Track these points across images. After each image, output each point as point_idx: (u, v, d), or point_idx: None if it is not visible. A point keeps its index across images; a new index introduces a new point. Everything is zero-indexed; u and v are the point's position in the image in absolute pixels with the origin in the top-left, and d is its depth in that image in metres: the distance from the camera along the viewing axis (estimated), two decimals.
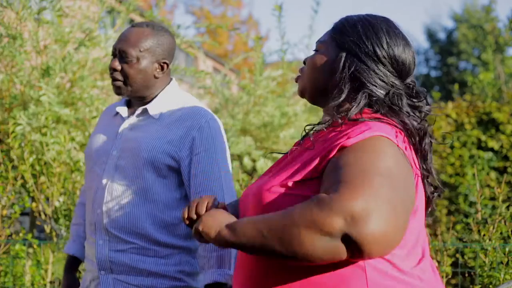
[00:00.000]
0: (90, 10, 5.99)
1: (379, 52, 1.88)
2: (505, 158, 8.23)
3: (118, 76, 2.70)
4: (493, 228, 4.17)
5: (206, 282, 2.61)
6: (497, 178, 8.10)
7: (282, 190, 1.77)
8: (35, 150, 5.19)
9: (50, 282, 4.76)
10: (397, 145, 1.77)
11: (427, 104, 1.94)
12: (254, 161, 7.41)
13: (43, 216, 4.91)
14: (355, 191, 1.57)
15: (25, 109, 5.34)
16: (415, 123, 1.87)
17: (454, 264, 5.35)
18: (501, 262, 4.08)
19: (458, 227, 7.63)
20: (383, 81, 1.88)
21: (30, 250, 5.12)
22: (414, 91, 1.94)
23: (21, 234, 4.84)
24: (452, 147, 8.36)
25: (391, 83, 1.89)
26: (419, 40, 60.67)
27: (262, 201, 1.79)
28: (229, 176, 2.73)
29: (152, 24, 2.76)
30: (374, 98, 1.87)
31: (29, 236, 4.87)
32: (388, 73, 1.89)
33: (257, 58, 7.86)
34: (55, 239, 4.83)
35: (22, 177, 4.90)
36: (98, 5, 5.97)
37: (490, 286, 4.07)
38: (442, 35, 33.27)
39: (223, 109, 7.99)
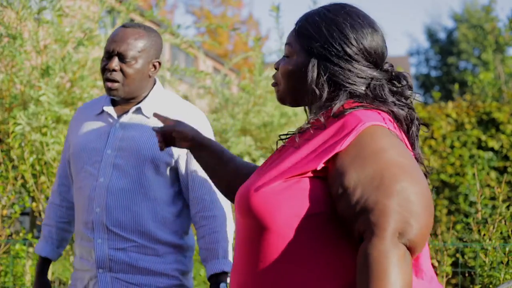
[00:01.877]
0: (90, 10, 5.99)
1: (349, 51, 1.85)
2: (505, 158, 8.23)
3: (117, 76, 2.72)
4: (493, 228, 4.17)
5: (214, 271, 2.68)
6: (497, 178, 8.10)
7: (270, 189, 1.77)
8: (35, 150, 5.19)
9: (50, 282, 4.76)
10: (389, 129, 1.78)
11: (409, 87, 1.93)
12: (254, 161, 7.41)
13: (43, 216, 4.90)
14: (379, 227, 1.63)
15: (25, 109, 5.34)
16: (402, 112, 1.87)
17: (454, 264, 5.35)
18: (501, 262, 4.08)
19: (458, 226, 7.64)
20: (361, 77, 1.86)
21: (30, 250, 5.11)
22: (393, 74, 1.92)
23: (21, 234, 4.84)
24: (452, 147, 8.36)
25: (369, 76, 1.87)
26: (419, 40, 60.69)
27: (249, 201, 1.79)
28: None
29: (142, 25, 2.81)
30: (357, 94, 1.86)
31: (29, 236, 4.87)
32: (364, 68, 1.86)
33: (256, 58, 7.86)
34: None
35: (22, 177, 4.90)
36: (98, 5, 5.97)
37: (490, 286, 4.06)
38: (442, 35, 33.29)
39: (223, 109, 7.99)
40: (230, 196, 2.32)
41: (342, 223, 1.73)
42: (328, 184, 1.74)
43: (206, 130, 2.76)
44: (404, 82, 1.92)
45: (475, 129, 8.30)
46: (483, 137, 8.25)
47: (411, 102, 1.93)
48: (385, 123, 1.79)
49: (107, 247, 2.71)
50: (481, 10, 30.04)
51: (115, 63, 2.71)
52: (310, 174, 1.76)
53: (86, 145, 2.80)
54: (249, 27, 30.10)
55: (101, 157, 2.75)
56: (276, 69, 2.01)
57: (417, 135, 1.91)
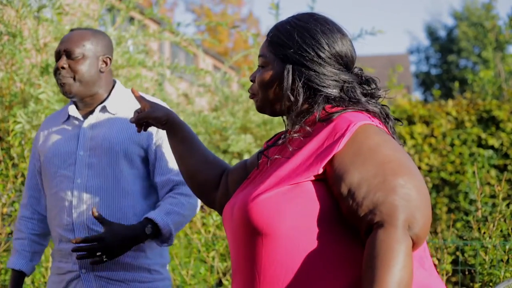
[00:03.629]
0: (90, 8, 5.99)
1: (322, 55, 1.91)
2: (505, 156, 8.23)
3: (67, 73, 2.80)
4: (493, 226, 4.17)
5: (149, 216, 2.69)
6: (497, 176, 8.10)
7: (268, 196, 1.79)
8: None
9: None
10: (377, 126, 1.85)
11: (378, 88, 1.99)
12: None
13: None
14: (392, 217, 1.67)
15: (25, 107, 5.34)
16: (376, 109, 1.93)
17: (454, 262, 5.36)
18: (501, 260, 4.08)
19: (458, 225, 7.64)
20: (334, 80, 1.92)
21: None
22: (363, 78, 1.98)
23: None
24: (452, 145, 8.36)
25: (342, 79, 1.93)
26: (419, 38, 60.70)
27: (248, 211, 1.80)
28: None
29: (89, 28, 2.94)
30: (331, 97, 1.91)
31: None
32: (337, 71, 1.93)
33: (256, 55, 7.84)
34: None
35: (23, 175, 4.89)
36: (98, 3, 5.97)
37: (490, 284, 4.07)
38: (442, 33, 33.28)
39: (223, 107, 7.99)
40: (190, 184, 2.34)
41: (346, 220, 1.76)
42: (329, 184, 1.78)
43: None
44: (374, 86, 1.98)
45: (475, 127, 8.30)
46: (483, 135, 8.25)
47: (380, 104, 1.98)
48: (373, 121, 1.85)
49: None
50: (481, 8, 30.02)
51: (63, 61, 2.81)
52: (310, 179, 1.79)
53: (57, 150, 2.85)
54: (249, 25, 30.11)
55: (74, 159, 2.80)
56: (252, 81, 2.05)
57: (394, 130, 1.97)
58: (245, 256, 1.84)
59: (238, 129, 7.47)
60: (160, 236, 2.71)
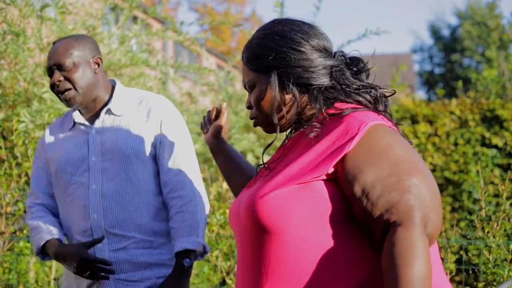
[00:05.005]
0: (93, 7, 6.00)
1: (301, 49, 1.90)
2: (509, 155, 8.22)
3: (66, 85, 2.81)
4: (497, 225, 4.16)
5: (177, 250, 2.75)
6: (501, 175, 8.09)
7: (278, 194, 1.79)
8: None
9: (54, 279, 4.77)
10: (390, 127, 1.84)
11: (365, 65, 1.97)
12: (257, 158, 7.41)
13: None
14: (410, 216, 1.69)
15: (29, 106, 5.34)
16: (368, 96, 1.91)
17: (458, 261, 5.35)
18: (505, 259, 4.08)
19: (462, 224, 7.63)
20: (321, 68, 1.90)
21: None
22: (347, 59, 1.97)
23: (25, 231, 4.84)
24: (456, 144, 8.35)
25: (328, 65, 1.91)
26: (423, 37, 60.69)
27: (256, 211, 1.80)
28: (192, 153, 2.90)
29: (70, 36, 2.94)
30: (323, 87, 1.90)
31: None
32: (320, 59, 1.91)
33: None
34: None
35: (26, 174, 4.90)
36: (101, 2, 5.98)
37: (494, 283, 4.06)
38: (446, 32, 33.24)
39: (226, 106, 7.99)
40: None
41: (356, 221, 1.77)
42: (340, 185, 1.78)
43: (174, 118, 2.87)
44: (361, 64, 1.97)
45: (479, 126, 8.29)
46: (487, 134, 8.24)
47: (375, 91, 1.96)
48: (385, 122, 1.84)
49: (108, 250, 2.78)
50: (485, 7, 29.97)
51: (57, 75, 2.82)
52: (320, 178, 1.78)
53: (69, 157, 2.86)
54: (253, 24, 30.09)
55: (87, 165, 2.83)
56: (249, 108, 2.03)
57: (390, 114, 1.95)
58: (252, 254, 1.84)
59: (241, 128, 7.48)
60: (194, 255, 2.78)
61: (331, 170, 1.77)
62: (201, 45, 7.45)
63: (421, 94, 28.35)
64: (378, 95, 1.94)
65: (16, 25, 5.31)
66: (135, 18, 8.13)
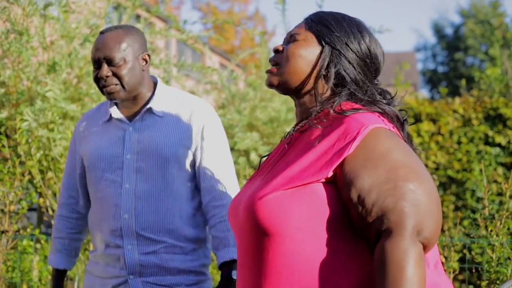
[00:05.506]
0: (96, 6, 6.00)
1: (363, 49, 1.91)
2: None
3: (112, 81, 2.72)
4: (500, 224, 4.16)
5: (224, 260, 2.69)
6: (504, 174, 8.08)
7: (276, 196, 1.78)
8: (42, 146, 5.20)
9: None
10: (390, 130, 1.82)
11: (392, 100, 1.96)
12: (260, 156, 7.40)
13: (50, 212, 4.92)
14: (400, 225, 1.67)
15: (32, 105, 5.35)
16: (391, 111, 1.90)
17: (461, 260, 5.35)
18: (508, 258, 4.08)
19: (465, 222, 7.63)
20: (361, 79, 1.90)
21: (38, 246, 5.13)
22: (380, 89, 1.96)
23: (28, 230, 4.86)
24: (459, 142, 8.34)
25: (368, 81, 1.92)
26: (426, 35, 60.57)
27: (255, 212, 1.79)
28: (231, 160, 2.87)
29: (119, 26, 2.83)
30: (353, 94, 1.89)
31: (37, 231, 4.88)
32: (365, 70, 1.92)
33: (263, 53, 7.85)
34: None
35: (30, 173, 4.91)
36: (104, 1, 5.98)
37: (497, 281, 4.06)
38: (449, 31, 33.22)
39: (229, 105, 7.99)
40: None
41: (354, 225, 1.75)
42: (338, 188, 1.77)
43: (215, 123, 2.81)
44: (389, 97, 1.96)
45: (482, 124, 8.28)
46: (490, 133, 8.23)
47: (394, 106, 1.96)
48: (386, 125, 1.82)
49: (137, 253, 2.72)
50: (488, 6, 29.97)
51: (105, 70, 2.72)
52: (319, 181, 1.77)
53: (102, 153, 2.79)
54: (256, 22, 30.10)
55: (121, 163, 2.75)
56: (277, 51, 1.98)
57: (408, 134, 1.94)
58: (251, 254, 1.83)
59: (244, 126, 7.48)
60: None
61: (330, 174, 1.76)
62: (204, 44, 7.45)
63: (424, 93, 28.34)
64: (401, 118, 1.93)
65: (19, 24, 5.31)
66: (138, 17, 8.14)
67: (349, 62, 1.90)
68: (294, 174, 1.79)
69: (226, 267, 2.71)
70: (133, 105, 2.81)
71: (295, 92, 1.96)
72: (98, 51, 2.73)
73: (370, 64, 1.93)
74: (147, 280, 2.72)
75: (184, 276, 2.75)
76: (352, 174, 1.74)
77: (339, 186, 1.76)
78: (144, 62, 2.79)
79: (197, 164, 2.77)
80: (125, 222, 2.72)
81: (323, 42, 1.92)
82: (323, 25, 1.93)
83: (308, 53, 1.92)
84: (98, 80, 2.74)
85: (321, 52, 1.91)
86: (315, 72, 1.91)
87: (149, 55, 2.81)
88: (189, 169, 2.76)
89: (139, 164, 2.73)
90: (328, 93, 1.91)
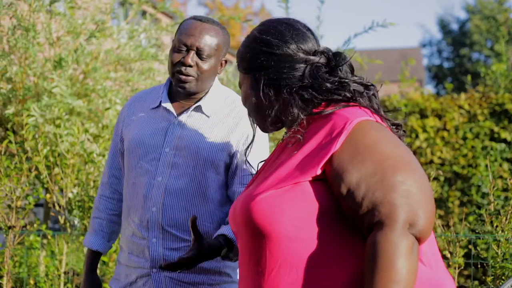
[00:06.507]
0: (102, 2, 6.01)
1: (272, 51, 1.94)
2: None
3: (192, 71, 2.67)
4: (506, 219, 4.16)
5: (219, 233, 2.57)
6: (509, 169, 8.08)
7: (269, 196, 1.80)
8: (49, 142, 5.22)
9: (64, 273, 4.79)
10: (377, 121, 1.84)
11: (345, 59, 1.95)
12: None
13: (57, 207, 4.93)
14: (391, 218, 1.67)
15: (39, 101, 5.36)
16: (346, 93, 1.89)
17: (467, 255, 5.35)
18: None
19: (471, 218, 7.63)
20: (295, 67, 1.92)
21: (45, 241, 5.15)
22: (330, 55, 1.96)
23: (35, 225, 4.87)
24: (465, 138, 8.34)
25: (302, 66, 1.92)
26: (431, 31, 60.43)
27: (249, 211, 1.81)
28: None
29: (214, 20, 2.76)
30: (296, 88, 1.91)
31: (43, 227, 4.90)
32: (291, 60, 1.93)
33: None
34: (69, 230, 4.86)
35: (36, 169, 4.92)
36: None
37: (503, 277, 4.07)
38: (455, 26, 33.14)
39: None
40: None
41: (347, 218, 1.77)
42: (329, 184, 1.79)
43: (261, 136, 2.71)
44: (339, 59, 1.94)
45: (487, 120, 8.28)
46: (496, 129, 8.23)
47: (359, 79, 1.95)
48: (371, 116, 1.84)
49: (162, 247, 2.68)
50: (493, 1, 29.85)
51: (191, 58, 2.66)
52: (309, 179, 1.79)
53: (143, 140, 2.74)
54: (262, 19, 30.07)
55: (159, 154, 2.70)
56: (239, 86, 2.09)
57: (378, 105, 1.94)
58: (249, 253, 1.86)
59: None
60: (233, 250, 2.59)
61: (319, 171, 1.78)
62: None
63: (430, 89, 28.28)
64: (359, 89, 1.92)
65: (25, 20, 5.33)
66: (144, 13, 8.14)
67: (272, 70, 1.93)
68: (285, 174, 1.82)
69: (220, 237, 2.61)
70: (188, 100, 2.76)
71: (272, 125, 2.02)
72: (193, 37, 2.66)
73: (294, 57, 1.93)
74: (170, 276, 2.68)
75: (208, 276, 2.69)
76: (340, 170, 1.75)
77: (329, 182, 1.78)
78: (221, 67, 2.75)
79: (232, 169, 2.71)
80: (152, 215, 2.67)
81: (247, 72, 2.00)
82: (240, 60, 2.03)
83: (247, 94, 2.02)
84: (176, 64, 2.68)
85: (250, 83, 1.99)
86: (262, 103, 1.97)
87: (226, 62, 2.78)
88: (225, 174, 2.70)
89: (175, 160, 2.67)
90: (284, 106, 1.94)
